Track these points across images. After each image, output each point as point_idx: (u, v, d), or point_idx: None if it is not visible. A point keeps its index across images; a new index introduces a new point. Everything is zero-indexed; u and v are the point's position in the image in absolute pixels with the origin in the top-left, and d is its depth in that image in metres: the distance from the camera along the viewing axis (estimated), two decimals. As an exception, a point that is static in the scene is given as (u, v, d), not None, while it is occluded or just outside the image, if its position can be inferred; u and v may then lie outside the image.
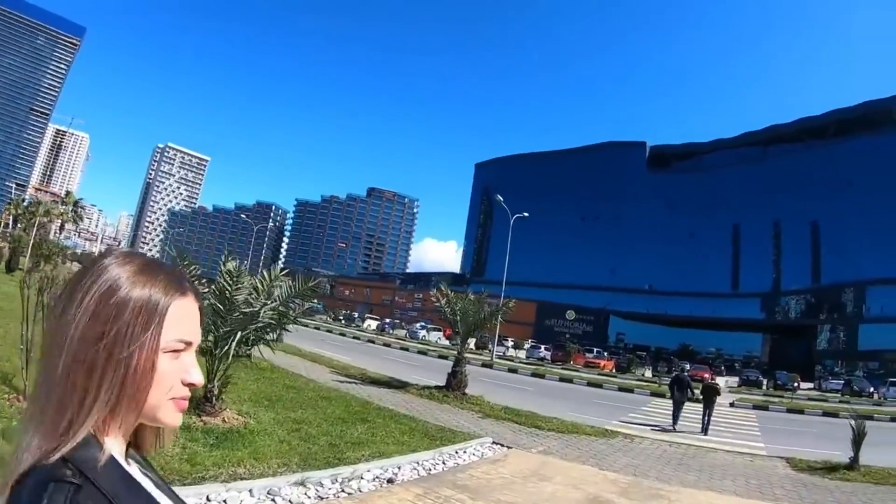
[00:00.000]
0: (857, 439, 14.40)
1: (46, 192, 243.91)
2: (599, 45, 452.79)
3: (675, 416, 20.53)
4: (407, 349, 47.70)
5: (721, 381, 41.57)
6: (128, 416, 1.05)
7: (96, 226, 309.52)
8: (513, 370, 40.55)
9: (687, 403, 21.18)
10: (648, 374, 52.65)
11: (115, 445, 1.05)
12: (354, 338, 52.33)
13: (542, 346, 65.13)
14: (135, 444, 1.16)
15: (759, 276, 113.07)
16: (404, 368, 28.83)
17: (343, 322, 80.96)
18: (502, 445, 12.50)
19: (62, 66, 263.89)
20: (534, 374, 39.19)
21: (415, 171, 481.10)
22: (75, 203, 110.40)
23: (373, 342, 50.26)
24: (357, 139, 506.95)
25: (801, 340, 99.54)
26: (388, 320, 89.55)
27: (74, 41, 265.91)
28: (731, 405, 32.02)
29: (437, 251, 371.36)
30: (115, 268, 1.06)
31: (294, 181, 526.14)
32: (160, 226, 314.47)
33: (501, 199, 53.14)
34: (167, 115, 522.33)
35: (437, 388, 20.23)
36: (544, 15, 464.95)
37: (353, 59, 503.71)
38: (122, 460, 1.07)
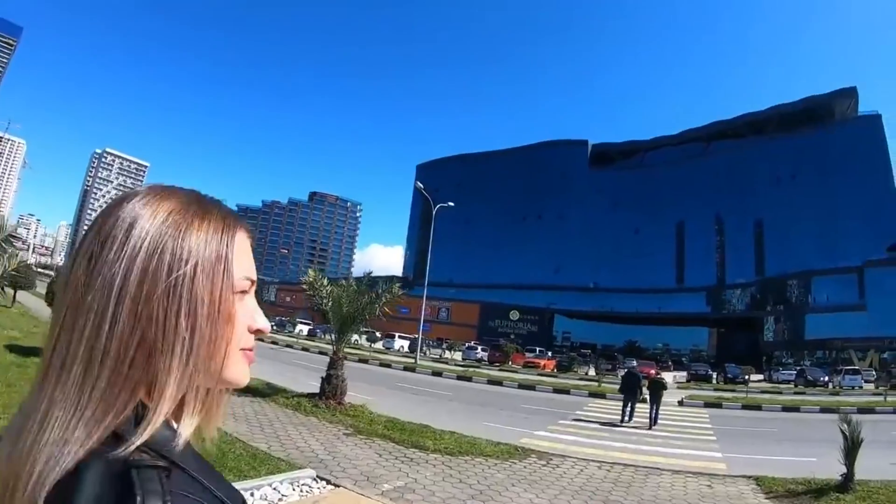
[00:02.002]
0: (852, 449, 10.47)
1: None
2: (538, 44, 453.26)
3: (630, 413, 20.34)
4: (325, 353, 43.24)
5: (669, 377, 38.18)
6: (207, 377, 0.87)
7: (34, 236, 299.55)
8: (437, 373, 36.35)
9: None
10: (592, 372, 49.17)
11: (188, 424, 0.87)
12: (273, 342, 48.12)
13: (479, 347, 61.75)
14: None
15: (704, 271, 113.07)
16: (301, 374, 25.02)
17: (274, 328, 75.96)
18: (329, 482, 8.36)
19: None
20: (460, 378, 35.01)
21: (358, 176, 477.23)
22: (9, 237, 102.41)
23: (291, 347, 46.72)
24: (299, 143, 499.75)
25: (748, 333, 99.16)
26: (321, 325, 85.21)
27: (10, 41, 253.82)
28: (680, 403, 28.33)
29: (384, 256, 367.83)
30: (157, 205, 0.86)
31: (235, 186, 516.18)
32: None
33: (421, 186, 49.01)
34: (106, 120, 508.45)
35: (312, 395, 16.47)
36: (480, 14, 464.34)
37: (291, 64, 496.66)
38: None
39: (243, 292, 0.92)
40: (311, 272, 17.73)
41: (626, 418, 20.23)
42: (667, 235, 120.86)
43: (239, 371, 0.92)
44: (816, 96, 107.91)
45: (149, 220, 0.83)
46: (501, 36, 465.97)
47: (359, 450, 10.96)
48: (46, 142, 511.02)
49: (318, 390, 16.52)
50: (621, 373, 53.10)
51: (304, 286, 17.68)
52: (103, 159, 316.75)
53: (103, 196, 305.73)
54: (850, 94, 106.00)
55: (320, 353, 43.85)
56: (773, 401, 30.51)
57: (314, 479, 8.38)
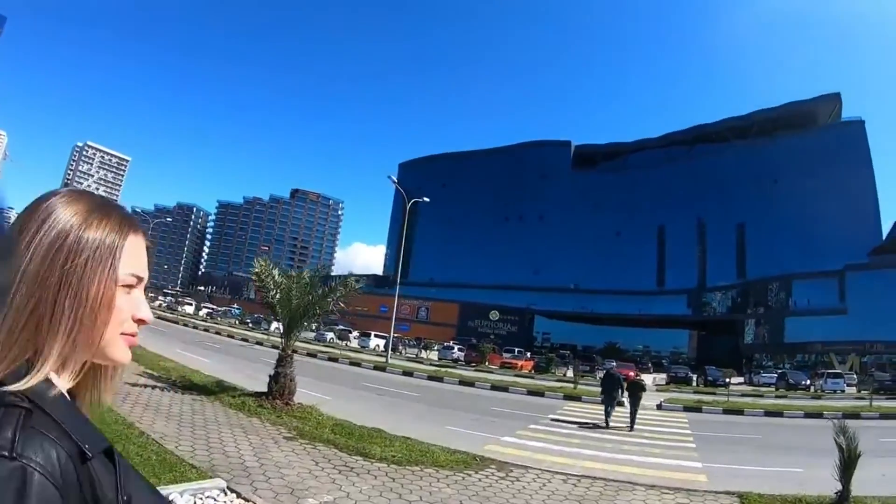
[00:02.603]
0: (849, 464, 9.25)
1: None
2: (522, 44, 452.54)
3: (608, 413, 20.05)
4: (295, 351, 41.96)
5: (648, 379, 37.09)
6: (83, 352, 1.06)
7: None
8: (408, 373, 35.00)
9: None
10: (570, 373, 47.97)
11: (63, 383, 1.06)
12: (243, 339, 48.02)
13: (456, 347, 60.34)
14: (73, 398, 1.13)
15: (685, 274, 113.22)
16: (263, 371, 23.68)
17: (250, 325, 75.14)
18: (239, 496, 7.08)
19: None
20: (431, 378, 33.64)
21: (341, 175, 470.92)
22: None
23: (261, 344, 45.03)
24: (281, 140, 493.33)
25: (728, 335, 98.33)
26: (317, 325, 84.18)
27: None
28: (659, 407, 27.14)
29: (367, 255, 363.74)
30: (68, 205, 1.06)
31: (216, 182, 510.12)
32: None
33: (395, 179, 47.74)
34: (87, 113, 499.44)
35: (259, 395, 15.31)
36: (463, 14, 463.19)
37: (273, 60, 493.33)
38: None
39: (129, 286, 1.10)
40: (259, 261, 16.42)
41: (607, 420, 19.99)
42: (648, 238, 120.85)
43: (119, 351, 1.09)
44: (799, 101, 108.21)
45: (58, 216, 1.02)
46: (485, 35, 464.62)
47: (294, 456, 9.75)
48: (28, 133, 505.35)
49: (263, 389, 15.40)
50: (600, 374, 52.53)
51: (253, 277, 16.42)
52: (84, 153, 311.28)
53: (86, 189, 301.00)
54: (834, 99, 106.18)
55: (294, 351, 42.87)
56: (754, 405, 29.24)
57: (223, 492, 7.09)
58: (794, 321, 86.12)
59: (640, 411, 20.41)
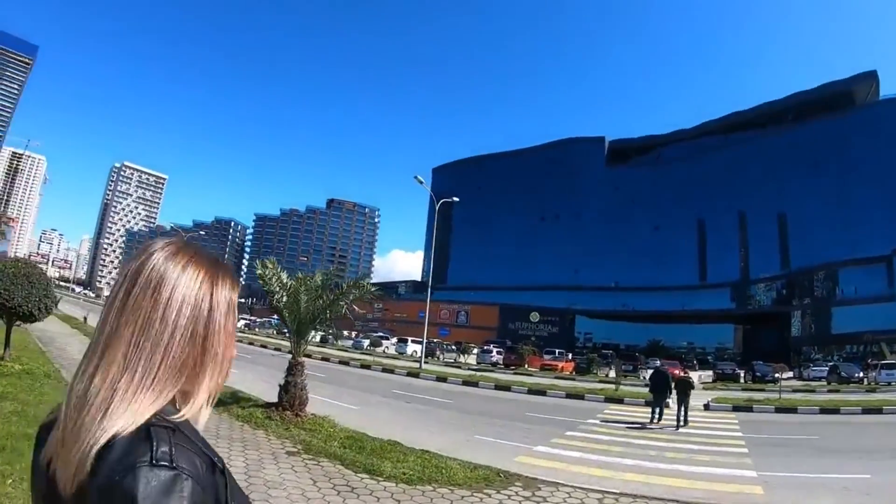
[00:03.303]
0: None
1: (1, 217, 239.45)
2: (553, 41, 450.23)
3: (660, 412, 20.21)
4: (327, 359, 43.03)
5: (694, 376, 35.33)
6: (217, 385, 1.28)
7: (57, 250, 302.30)
8: (442, 379, 33.84)
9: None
10: (613, 374, 46.45)
11: (204, 414, 1.27)
12: (276, 349, 46.94)
13: (495, 350, 58.96)
14: None
15: (728, 266, 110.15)
16: (274, 379, 23.07)
17: (287, 335, 74.92)
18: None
19: (14, 86, 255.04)
20: (465, 383, 32.43)
21: (377, 184, 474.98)
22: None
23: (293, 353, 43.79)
24: (315, 152, 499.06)
25: (774, 328, 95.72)
26: (331, 331, 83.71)
27: (26, 60, 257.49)
28: (706, 407, 25.59)
29: (406, 262, 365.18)
30: (200, 267, 1.25)
31: (253, 196, 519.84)
32: (119, 247, 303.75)
33: (422, 180, 46.68)
34: (123, 134, 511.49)
35: (269, 406, 14.45)
36: (491, 15, 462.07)
37: (307, 71, 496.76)
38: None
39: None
40: (262, 262, 15.40)
41: (656, 419, 20.02)
42: (688, 231, 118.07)
43: (224, 381, 1.31)
44: (835, 82, 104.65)
45: (196, 276, 1.23)
46: (514, 35, 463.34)
47: (291, 474, 8.67)
48: (66, 157, 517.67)
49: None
50: (643, 374, 50.95)
51: (260, 280, 15.39)
52: (122, 173, 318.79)
53: (123, 209, 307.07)
54: (871, 78, 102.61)
55: (322, 358, 42.52)
56: (808, 401, 27.40)
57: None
58: (842, 311, 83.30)
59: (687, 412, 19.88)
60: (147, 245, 1.27)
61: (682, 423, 19.31)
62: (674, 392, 20.61)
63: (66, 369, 17.38)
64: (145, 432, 1.08)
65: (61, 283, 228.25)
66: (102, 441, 1.06)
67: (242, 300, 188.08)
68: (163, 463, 1.03)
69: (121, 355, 1.15)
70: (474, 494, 8.59)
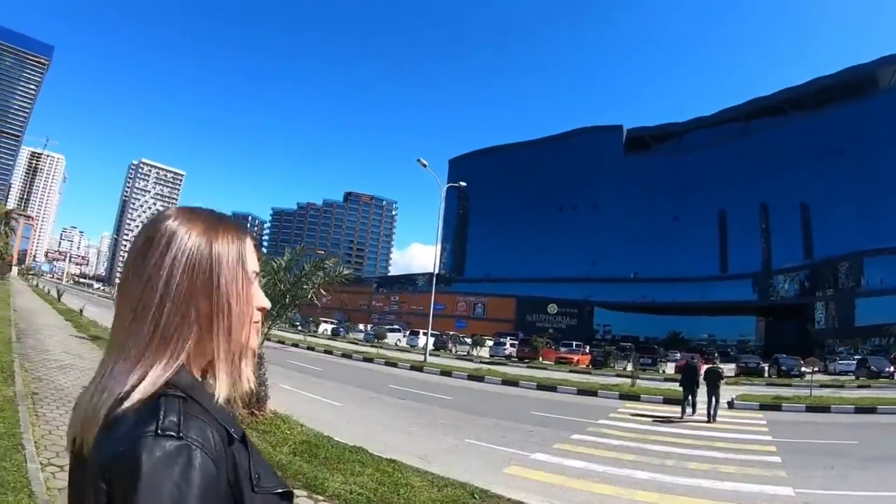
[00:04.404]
0: None
1: (21, 214, 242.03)
2: (568, 28, 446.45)
3: (693, 405, 20.10)
4: (330, 352, 41.75)
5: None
6: (238, 347, 1.23)
7: (78, 247, 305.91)
8: (446, 372, 32.17)
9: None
10: (630, 367, 44.26)
11: (224, 382, 1.21)
12: (279, 342, 45.53)
13: (508, 342, 57.34)
14: None
15: (749, 257, 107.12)
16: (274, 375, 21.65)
17: (299, 328, 73.97)
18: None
19: (31, 86, 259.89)
20: (471, 377, 30.71)
21: (394, 177, 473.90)
22: (6, 214, 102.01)
23: (296, 346, 43.93)
24: (332, 144, 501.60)
25: (797, 321, 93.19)
26: (344, 324, 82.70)
27: (43, 61, 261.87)
28: (730, 405, 23.35)
29: (425, 255, 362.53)
30: (191, 224, 1.22)
31: (269, 190, 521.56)
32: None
33: (424, 162, 45.05)
34: (141, 132, 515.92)
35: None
36: (509, 6, 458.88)
37: (322, 65, 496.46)
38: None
39: (251, 282, 1.27)
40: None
41: (689, 412, 19.92)
42: (708, 221, 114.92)
43: (254, 339, 1.28)
44: (858, 66, 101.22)
45: (187, 234, 1.18)
46: (528, 26, 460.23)
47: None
48: (85, 156, 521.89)
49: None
50: (663, 368, 48.97)
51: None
52: (140, 170, 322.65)
53: (141, 206, 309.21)
54: (895, 61, 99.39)
55: (325, 351, 41.12)
56: (841, 399, 24.94)
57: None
58: (867, 302, 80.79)
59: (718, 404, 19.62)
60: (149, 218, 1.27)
61: (713, 416, 18.94)
62: (702, 384, 20.12)
63: (28, 360, 16.14)
64: (155, 402, 1.07)
65: (80, 280, 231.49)
66: (102, 412, 1.08)
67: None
68: (169, 433, 1.02)
69: (126, 324, 1.15)
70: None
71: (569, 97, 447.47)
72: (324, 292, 13.88)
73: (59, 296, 58.80)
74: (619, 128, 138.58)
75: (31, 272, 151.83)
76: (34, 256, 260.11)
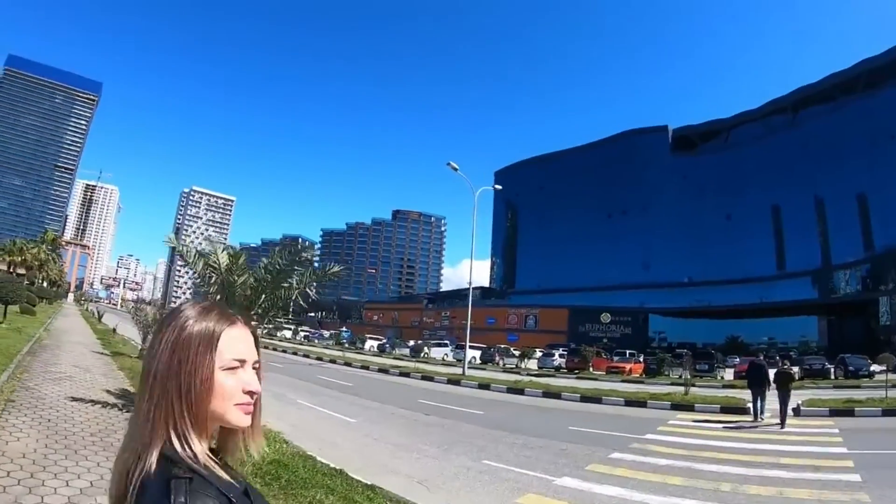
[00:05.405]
0: None
1: (77, 244, 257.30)
2: (607, 31, 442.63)
3: (761, 408, 19.65)
4: (367, 367, 40.86)
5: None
6: (202, 421, 1.38)
7: (135, 274, 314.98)
8: (484, 386, 30.36)
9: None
10: (688, 375, 41.53)
11: (205, 445, 1.42)
12: (318, 358, 46.81)
13: (557, 353, 55.46)
14: (221, 450, 1.55)
15: (807, 253, 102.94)
16: (299, 391, 22.63)
17: (345, 345, 76.43)
18: None
19: (82, 121, 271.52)
20: (510, 390, 28.74)
21: (443, 195, 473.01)
22: (53, 240, 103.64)
23: (334, 362, 43.80)
24: (378, 164, 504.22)
25: (861, 318, 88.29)
26: (386, 340, 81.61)
27: (92, 97, 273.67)
28: (796, 412, 20.78)
29: (476, 270, 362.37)
30: (186, 311, 1.43)
31: (319, 212, 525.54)
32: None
33: (455, 166, 43.51)
34: (190, 160, 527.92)
35: None
36: (545, 12, 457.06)
37: (367, 89, 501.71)
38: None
39: (233, 368, 1.41)
40: (171, 237, 12.14)
41: (759, 415, 19.51)
42: (762, 218, 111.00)
43: (235, 417, 1.42)
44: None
45: (178, 320, 1.40)
46: (568, 30, 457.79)
47: None
48: (138, 185, 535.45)
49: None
50: (721, 374, 46.27)
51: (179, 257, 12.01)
52: (191, 197, 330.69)
53: (194, 232, 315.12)
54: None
55: (362, 367, 40.26)
56: None
57: None
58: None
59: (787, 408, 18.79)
60: None
61: (783, 422, 18.18)
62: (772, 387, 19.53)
63: (28, 372, 16.32)
64: (164, 484, 1.23)
65: (136, 305, 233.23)
66: (124, 478, 1.29)
67: (311, 314, 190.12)
68: None
69: (140, 390, 1.39)
70: None
71: (610, 102, 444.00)
72: (309, 292, 12.16)
73: (100, 317, 61.34)
74: (664, 128, 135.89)
75: (85, 298, 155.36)
76: (91, 284, 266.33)
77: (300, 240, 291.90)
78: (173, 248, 12.25)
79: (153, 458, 1.27)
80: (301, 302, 12.92)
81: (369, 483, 8.63)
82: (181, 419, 1.33)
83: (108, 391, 14.77)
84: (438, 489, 9.37)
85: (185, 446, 1.32)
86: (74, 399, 13.04)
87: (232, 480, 1.39)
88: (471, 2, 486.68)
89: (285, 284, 11.78)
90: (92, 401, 13.19)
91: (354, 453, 11.60)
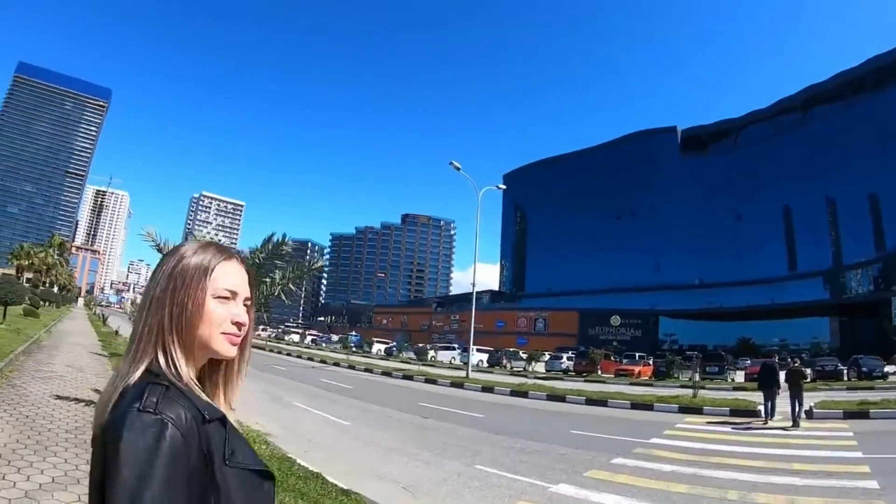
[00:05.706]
0: None
1: (88, 249, 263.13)
2: (615, 32, 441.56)
3: (772, 410, 19.28)
4: (370, 370, 40.55)
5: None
6: (191, 347, 1.47)
7: (145, 279, 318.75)
8: (488, 388, 29.82)
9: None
10: (697, 377, 40.70)
11: (191, 371, 1.49)
12: (322, 361, 46.76)
13: (565, 356, 55.00)
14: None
15: (818, 253, 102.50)
16: (296, 393, 22.64)
17: (352, 349, 75.01)
18: None
19: (92, 128, 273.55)
20: (514, 393, 27.98)
21: (453, 199, 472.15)
22: (60, 244, 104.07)
23: (338, 365, 43.57)
24: (388, 168, 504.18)
25: (873, 318, 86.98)
26: (394, 343, 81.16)
27: (101, 103, 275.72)
28: (809, 414, 20.11)
29: (486, 274, 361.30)
30: (186, 246, 1.54)
31: (328, 216, 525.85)
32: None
33: (458, 165, 42.95)
34: (200, 165, 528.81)
35: None
36: (556, 13, 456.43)
37: (374, 94, 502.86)
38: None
39: (225, 298, 1.50)
40: (147, 229, 11.69)
41: (770, 417, 19.18)
42: (772, 218, 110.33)
43: (221, 346, 1.50)
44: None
45: (177, 255, 1.50)
46: (576, 32, 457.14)
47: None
48: (148, 191, 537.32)
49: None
50: (731, 376, 45.51)
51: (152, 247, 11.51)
52: (201, 202, 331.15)
53: (204, 237, 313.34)
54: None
55: (365, 369, 40.84)
56: None
57: None
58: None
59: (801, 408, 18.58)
60: None
61: (796, 421, 18.00)
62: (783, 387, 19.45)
63: (18, 370, 16.68)
64: (142, 387, 1.33)
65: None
66: (114, 398, 1.36)
67: (321, 319, 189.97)
68: (148, 410, 1.27)
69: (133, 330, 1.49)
70: None
71: (619, 103, 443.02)
72: (293, 287, 11.59)
73: (104, 320, 62.89)
74: (673, 129, 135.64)
75: (94, 303, 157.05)
76: (102, 288, 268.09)
77: (309, 244, 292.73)
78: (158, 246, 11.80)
79: (139, 372, 1.37)
80: (283, 298, 11.99)
81: (345, 488, 8.19)
82: (170, 339, 1.41)
83: (96, 390, 14.46)
84: (423, 496, 8.86)
85: (171, 365, 1.40)
86: (59, 397, 12.93)
87: (211, 403, 1.46)
88: (480, 4, 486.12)
89: (266, 280, 11.22)
90: (77, 399, 13.07)
91: (341, 456, 11.28)
